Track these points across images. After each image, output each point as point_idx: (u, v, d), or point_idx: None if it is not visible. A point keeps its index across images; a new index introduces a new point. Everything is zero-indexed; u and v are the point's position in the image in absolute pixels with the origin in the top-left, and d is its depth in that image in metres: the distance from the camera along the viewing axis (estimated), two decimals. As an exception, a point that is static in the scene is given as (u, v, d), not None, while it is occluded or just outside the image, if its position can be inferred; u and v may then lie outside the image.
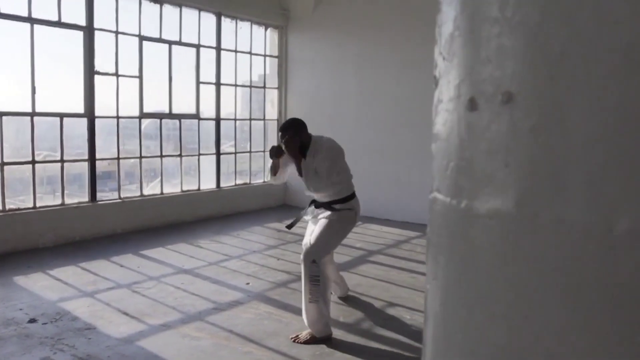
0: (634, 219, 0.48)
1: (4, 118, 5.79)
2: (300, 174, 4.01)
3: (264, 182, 9.26)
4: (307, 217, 4.21)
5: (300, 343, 3.72)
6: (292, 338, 3.78)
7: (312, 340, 3.74)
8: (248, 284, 5.04)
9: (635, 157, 0.48)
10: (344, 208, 3.99)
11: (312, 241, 3.82)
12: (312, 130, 4.24)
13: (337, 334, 3.90)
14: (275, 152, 4.07)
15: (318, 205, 4.07)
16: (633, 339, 0.48)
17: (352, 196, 4.10)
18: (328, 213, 3.97)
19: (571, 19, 0.51)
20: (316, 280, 3.73)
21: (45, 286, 4.82)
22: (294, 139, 3.93)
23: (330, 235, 3.91)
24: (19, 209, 6.01)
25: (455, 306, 0.66)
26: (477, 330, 0.62)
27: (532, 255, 0.56)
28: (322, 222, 3.96)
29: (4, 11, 5.67)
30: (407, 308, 4.47)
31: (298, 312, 4.27)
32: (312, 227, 4.11)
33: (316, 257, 3.74)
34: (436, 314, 0.70)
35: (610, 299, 0.50)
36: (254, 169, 9.07)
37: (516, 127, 0.57)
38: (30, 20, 5.89)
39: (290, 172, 4.23)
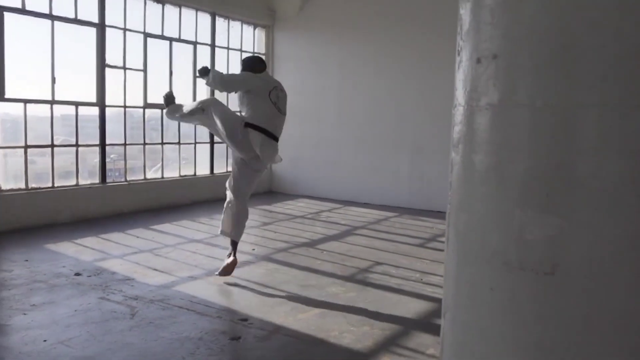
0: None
1: (28, 105, 6.40)
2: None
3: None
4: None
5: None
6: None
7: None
8: (254, 249, 5.79)
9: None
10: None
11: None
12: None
13: (337, 282, 4.70)
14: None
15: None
16: None
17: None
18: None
19: (519, 19, 1.33)
20: None
21: (77, 251, 5.48)
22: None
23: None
24: (39, 188, 6.62)
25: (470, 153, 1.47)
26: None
27: (508, 127, 1.37)
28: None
29: (29, 8, 6.29)
30: (392, 265, 5.30)
31: (303, 268, 5.08)
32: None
33: None
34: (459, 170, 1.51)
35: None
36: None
37: (498, 69, 1.38)
38: (51, 17, 6.52)
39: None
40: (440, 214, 8.03)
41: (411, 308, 4.10)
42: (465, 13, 1.49)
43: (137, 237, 6.20)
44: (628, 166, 1.27)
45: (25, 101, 6.37)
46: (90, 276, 4.65)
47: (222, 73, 4.61)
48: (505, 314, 1.40)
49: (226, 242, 6.05)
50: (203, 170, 8.96)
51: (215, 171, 9.16)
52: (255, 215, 7.99)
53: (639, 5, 1.25)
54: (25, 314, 3.73)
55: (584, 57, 1.28)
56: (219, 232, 4.99)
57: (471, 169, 1.48)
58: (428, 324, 3.78)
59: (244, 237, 6.33)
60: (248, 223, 7.15)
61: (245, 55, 9.62)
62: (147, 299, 4.10)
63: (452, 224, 1.56)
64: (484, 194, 1.44)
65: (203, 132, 8.98)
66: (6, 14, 6.08)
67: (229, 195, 4.87)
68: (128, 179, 7.72)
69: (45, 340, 3.29)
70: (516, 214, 1.36)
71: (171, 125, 8.42)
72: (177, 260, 5.27)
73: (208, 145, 9.02)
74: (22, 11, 6.25)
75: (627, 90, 1.26)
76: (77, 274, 4.68)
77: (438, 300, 4.23)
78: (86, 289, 4.31)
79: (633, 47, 1.25)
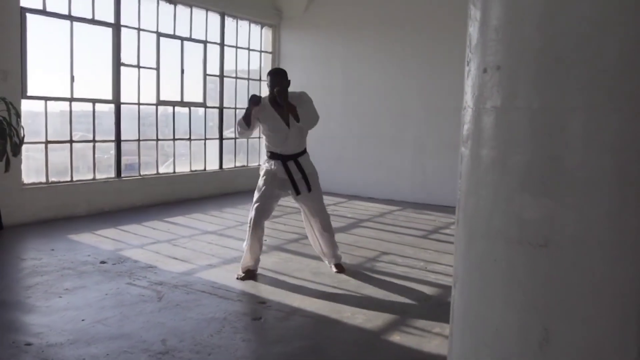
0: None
1: (48, 102, 6.68)
2: (285, 122, 4.58)
3: (259, 165, 10.29)
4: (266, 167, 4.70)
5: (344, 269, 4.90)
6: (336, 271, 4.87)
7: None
8: (265, 240, 6.04)
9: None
10: (312, 168, 4.80)
11: (319, 205, 4.78)
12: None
13: (347, 270, 4.98)
14: (257, 100, 4.48)
15: (287, 158, 4.63)
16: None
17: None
18: (300, 175, 4.64)
19: (518, 37, 1.62)
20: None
21: (99, 241, 5.77)
22: (286, 88, 4.47)
23: (320, 191, 4.87)
24: (59, 182, 6.91)
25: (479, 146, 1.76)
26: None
27: (509, 126, 1.66)
28: (313, 186, 4.70)
29: (49, 10, 6.56)
30: (398, 255, 5.59)
31: (313, 257, 5.35)
32: (275, 188, 4.65)
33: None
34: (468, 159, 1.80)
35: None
36: (250, 153, 10.12)
37: (501, 78, 1.67)
38: (70, 18, 6.79)
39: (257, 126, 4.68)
40: (442, 208, 8.32)
41: (417, 293, 4.40)
42: (473, 31, 1.77)
43: (154, 228, 6.49)
44: (608, 159, 1.57)
45: (46, 99, 6.65)
46: (115, 264, 4.94)
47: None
48: (506, 281, 1.70)
49: (238, 233, 6.38)
50: (212, 165, 9.24)
51: (224, 166, 9.44)
52: (263, 208, 8.31)
53: (617, 27, 1.54)
54: (60, 297, 4.02)
55: (573, 69, 1.57)
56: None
57: (478, 161, 1.76)
58: (433, 306, 4.08)
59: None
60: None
61: (252, 52, 9.91)
62: (171, 284, 4.39)
63: (461, 208, 1.85)
64: (489, 181, 1.73)
65: (213, 128, 9.28)
66: (28, 15, 6.36)
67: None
68: (141, 173, 8.00)
69: (83, 320, 3.59)
70: (516, 198, 1.65)
71: (182, 120, 8.71)
72: (195, 250, 5.56)
73: (217, 142, 9.30)
74: (43, 12, 6.52)
75: (608, 95, 1.56)
76: (103, 262, 4.97)
77: (442, 286, 4.54)
78: (113, 275, 4.61)
79: (612, 61, 1.55)
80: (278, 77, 4.55)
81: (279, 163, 4.65)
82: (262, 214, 4.65)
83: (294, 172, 4.64)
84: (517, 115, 1.65)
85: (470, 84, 1.81)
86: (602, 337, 1.64)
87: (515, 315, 1.68)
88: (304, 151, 4.81)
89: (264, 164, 4.78)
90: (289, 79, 4.60)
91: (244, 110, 9.51)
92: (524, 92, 1.63)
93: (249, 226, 4.67)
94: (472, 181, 1.80)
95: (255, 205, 4.65)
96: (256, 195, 4.70)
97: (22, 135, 5.11)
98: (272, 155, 4.70)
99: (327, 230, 4.81)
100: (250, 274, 4.67)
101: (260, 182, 4.70)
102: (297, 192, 4.65)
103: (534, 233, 1.62)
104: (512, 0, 1.65)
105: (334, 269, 4.90)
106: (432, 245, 6.07)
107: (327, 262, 4.99)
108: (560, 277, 1.62)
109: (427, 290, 4.49)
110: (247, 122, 4.59)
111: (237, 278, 4.63)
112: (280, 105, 4.55)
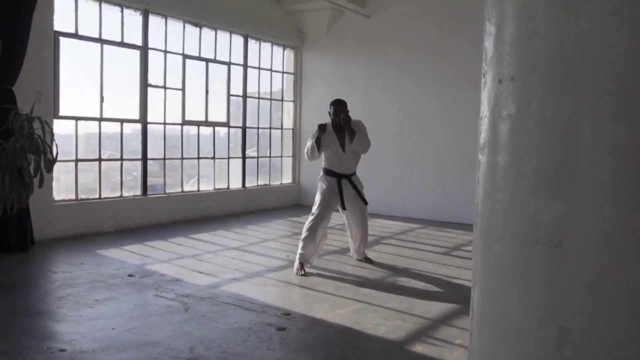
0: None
1: (79, 122, 6.92)
2: (341, 146, 5.45)
3: (281, 183, 10.46)
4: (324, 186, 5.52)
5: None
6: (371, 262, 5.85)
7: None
8: (288, 255, 6.18)
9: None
10: (361, 185, 5.71)
11: (364, 216, 5.73)
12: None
13: (369, 284, 5.06)
14: (324, 127, 5.42)
15: (341, 176, 5.50)
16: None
17: None
18: (353, 192, 5.56)
19: (531, 50, 1.73)
20: None
21: (126, 256, 5.93)
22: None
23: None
24: (88, 199, 7.12)
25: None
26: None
27: (524, 133, 1.75)
28: (357, 203, 5.61)
29: (81, 33, 6.84)
30: (420, 271, 5.64)
31: (336, 272, 5.45)
32: (332, 200, 5.46)
33: None
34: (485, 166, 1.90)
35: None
36: (272, 173, 10.28)
37: (515, 88, 1.77)
38: (100, 41, 7.06)
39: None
40: (463, 226, 8.34)
41: (439, 307, 4.45)
42: (489, 45, 1.88)
43: (179, 244, 6.64)
44: (617, 163, 1.66)
45: (77, 118, 6.90)
46: (142, 277, 5.08)
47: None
48: (522, 281, 1.78)
49: (261, 249, 6.50)
50: (235, 184, 9.41)
51: (246, 185, 9.60)
52: (286, 226, 8.43)
53: (624, 40, 1.64)
54: (91, 307, 4.16)
55: (583, 79, 1.67)
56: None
57: (494, 166, 1.86)
58: (455, 319, 4.12)
59: (277, 245, 6.79)
60: (280, 233, 7.64)
61: (274, 74, 10.13)
62: (197, 297, 4.50)
63: (479, 212, 1.94)
64: (505, 186, 1.82)
65: (236, 148, 9.47)
66: (61, 39, 6.63)
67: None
68: (167, 191, 8.18)
69: (113, 329, 3.71)
70: (531, 201, 1.74)
71: (205, 140, 8.91)
72: (219, 264, 5.68)
73: (240, 161, 9.48)
74: (75, 36, 6.80)
75: (617, 104, 1.66)
76: (130, 275, 5.11)
77: (463, 300, 4.57)
78: (141, 287, 4.74)
79: (620, 71, 1.65)
80: (342, 106, 5.49)
81: (334, 180, 5.47)
82: (321, 221, 5.39)
83: (346, 189, 5.46)
84: (530, 123, 1.75)
85: (487, 95, 1.91)
86: (617, 335, 1.71)
87: (531, 314, 1.76)
88: (355, 172, 5.67)
89: (321, 180, 5.56)
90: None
91: (267, 130, 9.74)
92: (537, 101, 1.73)
93: (307, 230, 5.36)
94: (489, 186, 1.89)
95: (316, 213, 5.38)
96: (316, 205, 5.45)
97: (55, 152, 5.31)
98: (329, 173, 5.52)
99: (367, 235, 5.88)
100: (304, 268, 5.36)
101: (319, 195, 5.49)
102: (343, 207, 5.48)
103: (549, 234, 1.70)
104: (524, 17, 1.77)
105: (364, 261, 5.88)
106: (453, 262, 6.11)
107: (357, 257, 5.92)
108: (574, 277, 1.69)
109: (448, 304, 4.53)
110: (318, 147, 5.43)
111: (301, 274, 5.25)
112: (340, 131, 5.41)
